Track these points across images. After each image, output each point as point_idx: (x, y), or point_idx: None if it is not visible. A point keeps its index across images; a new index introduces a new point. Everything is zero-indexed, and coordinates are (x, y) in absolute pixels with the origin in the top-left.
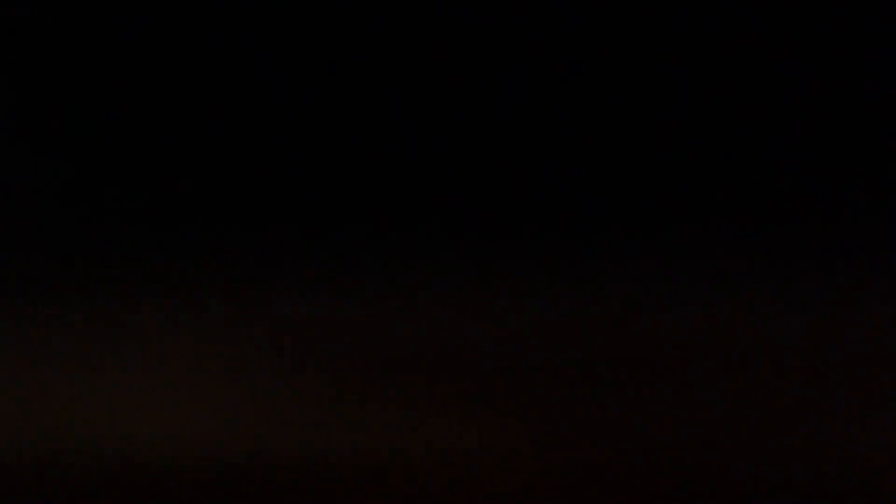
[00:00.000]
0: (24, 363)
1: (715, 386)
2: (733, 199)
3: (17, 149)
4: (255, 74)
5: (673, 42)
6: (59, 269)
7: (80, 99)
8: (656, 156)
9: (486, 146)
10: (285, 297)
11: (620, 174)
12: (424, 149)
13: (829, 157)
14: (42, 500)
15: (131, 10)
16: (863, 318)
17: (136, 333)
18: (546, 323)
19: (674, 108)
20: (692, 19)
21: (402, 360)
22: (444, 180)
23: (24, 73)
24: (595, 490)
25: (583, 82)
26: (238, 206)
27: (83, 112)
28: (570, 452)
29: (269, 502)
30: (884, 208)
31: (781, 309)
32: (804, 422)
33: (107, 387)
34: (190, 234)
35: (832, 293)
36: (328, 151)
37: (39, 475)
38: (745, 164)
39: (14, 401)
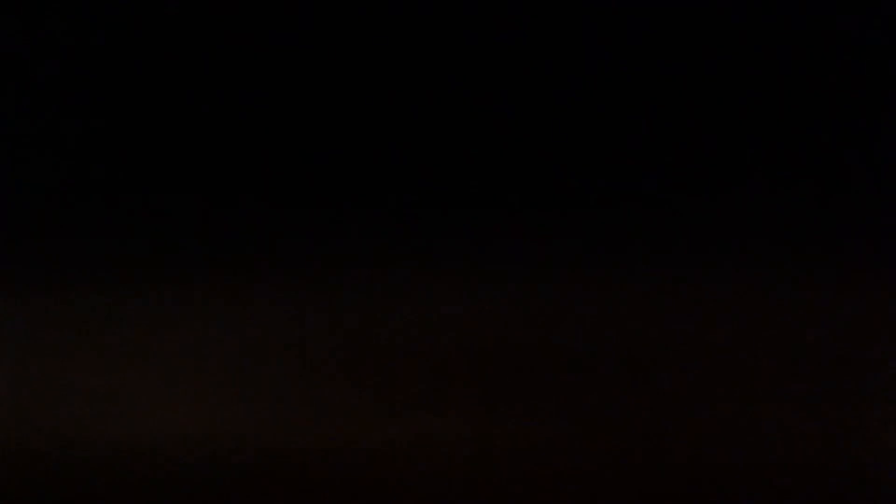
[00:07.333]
0: (29, 359)
1: (715, 386)
2: (733, 198)
3: (18, 146)
4: (267, 72)
5: (667, 39)
6: (61, 265)
7: (87, 92)
8: (658, 158)
9: (487, 145)
10: (285, 296)
11: (619, 175)
12: (426, 148)
13: (827, 157)
14: (43, 498)
15: (132, 9)
16: (862, 317)
17: (133, 332)
18: (544, 320)
19: (672, 109)
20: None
21: (402, 356)
22: (443, 178)
23: (24, 72)
24: (592, 487)
25: (584, 82)
26: (244, 205)
27: (93, 103)
28: (569, 449)
29: (269, 496)
30: (883, 208)
31: (781, 309)
32: (803, 421)
33: (106, 382)
34: (195, 230)
35: (832, 292)
36: (331, 151)
37: (40, 473)
38: (745, 164)
39: (16, 399)
